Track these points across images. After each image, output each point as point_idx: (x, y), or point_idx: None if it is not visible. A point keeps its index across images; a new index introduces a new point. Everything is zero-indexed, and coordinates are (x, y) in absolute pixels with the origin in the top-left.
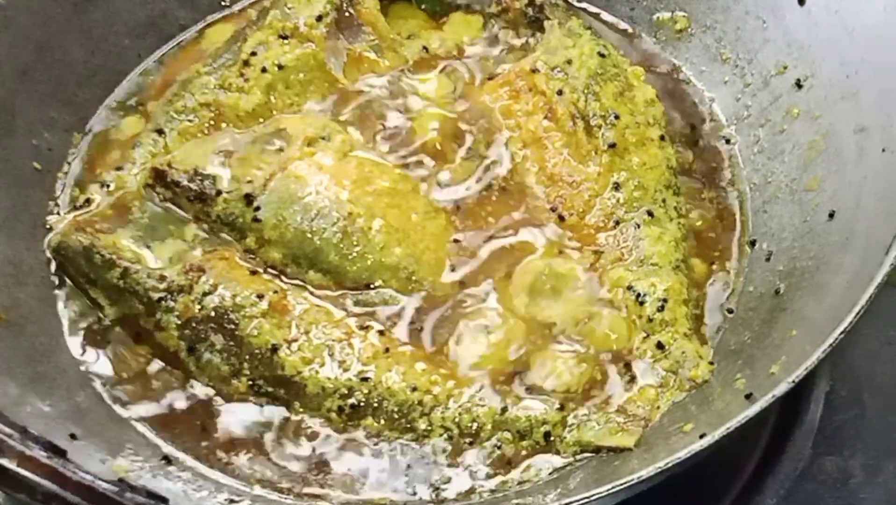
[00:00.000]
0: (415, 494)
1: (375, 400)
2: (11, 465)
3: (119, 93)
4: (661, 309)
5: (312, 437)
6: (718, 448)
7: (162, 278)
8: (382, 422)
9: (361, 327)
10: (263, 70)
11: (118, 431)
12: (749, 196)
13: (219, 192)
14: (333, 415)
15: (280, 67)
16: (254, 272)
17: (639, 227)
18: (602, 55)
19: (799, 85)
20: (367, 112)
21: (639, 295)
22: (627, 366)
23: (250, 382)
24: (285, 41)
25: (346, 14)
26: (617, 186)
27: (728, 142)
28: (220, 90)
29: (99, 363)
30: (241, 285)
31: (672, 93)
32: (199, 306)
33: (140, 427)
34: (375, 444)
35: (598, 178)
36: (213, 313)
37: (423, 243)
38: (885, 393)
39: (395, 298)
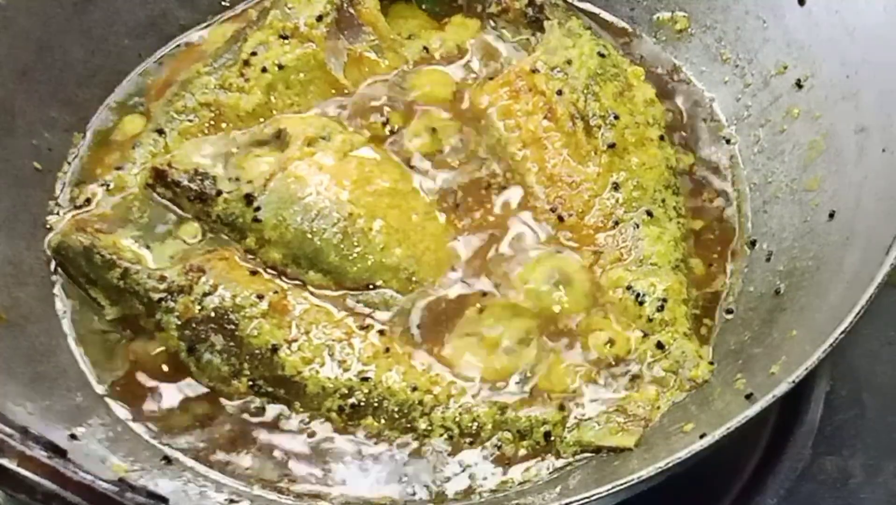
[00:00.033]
0: (415, 493)
1: (376, 400)
2: (12, 465)
3: (119, 93)
4: (660, 309)
5: (312, 436)
6: (718, 448)
7: (162, 279)
8: (383, 422)
9: (362, 327)
10: (264, 70)
11: (118, 431)
12: (749, 196)
13: (219, 192)
14: (334, 415)
15: (280, 67)
16: (254, 272)
17: (638, 227)
18: (602, 55)
19: (799, 85)
20: (368, 112)
21: (638, 295)
22: (627, 366)
23: (250, 383)
24: (286, 41)
25: (347, 14)
26: (616, 186)
27: (728, 142)
28: (221, 90)
29: (99, 363)
30: (241, 286)
31: (672, 93)
32: (199, 307)
33: (140, 427)
34: (376, 443)
35: (598, 179)
36: (213, 314)
37: (424, 244)
38: (885, 393)
39: (396, 298)
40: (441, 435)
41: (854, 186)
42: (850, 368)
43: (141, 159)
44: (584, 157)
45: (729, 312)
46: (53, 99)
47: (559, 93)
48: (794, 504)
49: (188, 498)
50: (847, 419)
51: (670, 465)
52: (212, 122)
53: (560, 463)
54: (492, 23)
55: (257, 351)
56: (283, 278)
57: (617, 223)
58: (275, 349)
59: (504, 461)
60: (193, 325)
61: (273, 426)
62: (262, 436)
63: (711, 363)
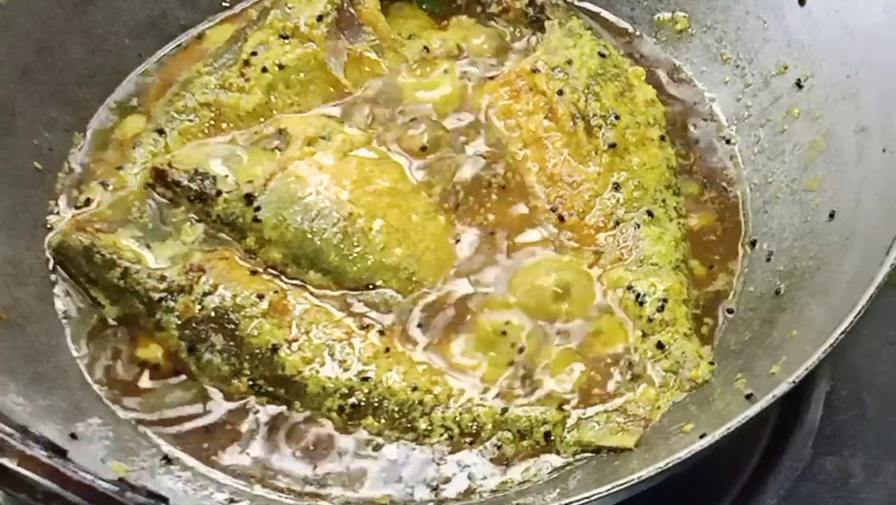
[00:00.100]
0: (414, 493)
1: (376, 400)
2: (12, 464)
3: (119, 93)
4: (661, 309)
5: (312, 436)
6: (718, 448)
7: (162, 278)
8: (383, 421)
9: (362, 327)
10: (264, 70)
11: (118, 430)
12: (749, 196)
13: (219, 192)
14: (334, 414)
15: (281, 67)
16: (254, 272)
17: (639, 227)
18: (602, 55)
19: (799, 85)
20: (368, 112)
21: (639, 295)
22: (628, 365)
23: (251, 382)
24: (286, 41)
25: (347, 14)
26: (617, 186)
27: (728, 142)
28: (221, 90)
29: (99, 363)
30: (241, 285)
31: (672, 93)
32: (199, 306)
33: (140, 427)
34: (376, 443)
35: (598, 179)
36: (213, 313)
37: (424, 243)
38: (886, 393)
39: (396, 298)
40: (441, 435)
41: (854, 186)
42: (850, 368)
43: (141, 159)
44: (585, 157)
45: (729, 312)
46: (53, 99)
47: (560, 93)
48: (794, 504)
49: (188, 498)
50: (847, 419)
51: (670, 465)
52: (212, 122)
53: (560, 463)
54: (492, 23)
55: (257, 351)
56: (284, 278)
57: (617, 223)
58: (275, 349)
59: (504, 461)
60: (194, 324)
61: (273, 426)
62: (263, 436)
63: (712, 363)
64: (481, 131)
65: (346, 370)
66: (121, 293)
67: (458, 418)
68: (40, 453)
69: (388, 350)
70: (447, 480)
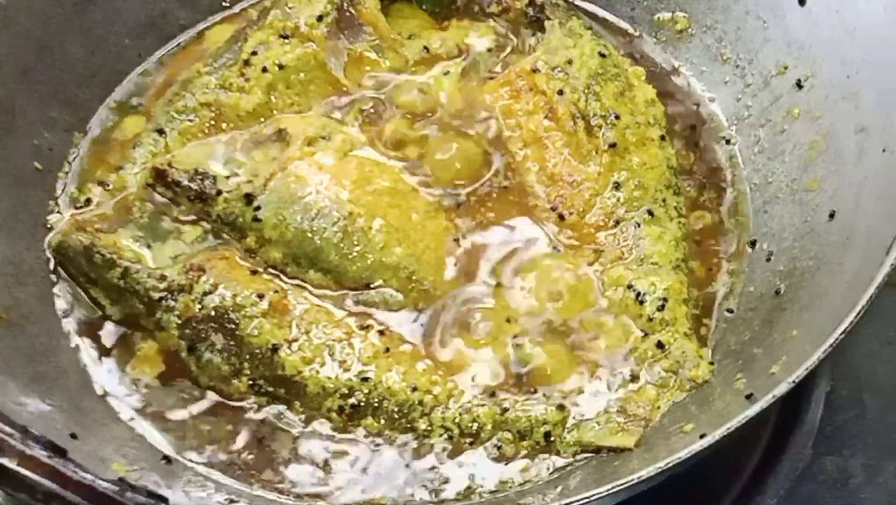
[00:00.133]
0: (414, 493)
1: (376, 400)
2: (12, 464)
3: (119, 93)
4: (661, 308)
5: (313, 436)
6: (718, 448)
7: (162, 278)
8: (383, 422)
9: (362, 327)
10: (264, 70)
11: (118, 430)
12: (749, 196)
13: (219, 192)
14: (334, 415)
15: (281, 67)
16: (254, 272)
17: (639, 226)
18: (603, 55)
19: (799, 85)
20: (368, 112)
21: (639, 294)
22: (628, 365)
23: (251, 382)
24: (286, 41)
25: (347, 14)
26: (617, 186)
27: (728, 142)
28: (221, 90)
29: (99, 363)
30: (241, 285)
31: (672, 93)
32: (199, 306)
33: (140, 427)
34: (376, 443)
35: (599, 178)
36: (213, 313)
37: (424, 243)
38: (886, 393)
39: (396, 297)
40: (441, 435)
41: (854, 186)
42: (850, 368)
43: (141, 159)
44: (585, 156)
45: (729, 311)
46: (53, 99)
47: (560, 92)
48: (794, 504)
49: (188, 498)
50: (847, 419)
51: (670, 465)
52: (212, 122)
53: (560, 463)
54: (492, 22)
55: (257, 350)
56: (284, 278)
57: (618, 222)
58: (275, 349)
59: (504, 461)
60: (194, 324)
61: (273, 426)
62: (263, 436)
63: (711, 363)
64: (481, 131)
65: (346, 370)
66: (121, 293)
67: (457, 419)
68: (40, 453)
69: (387, 350)
70: (447, 481)
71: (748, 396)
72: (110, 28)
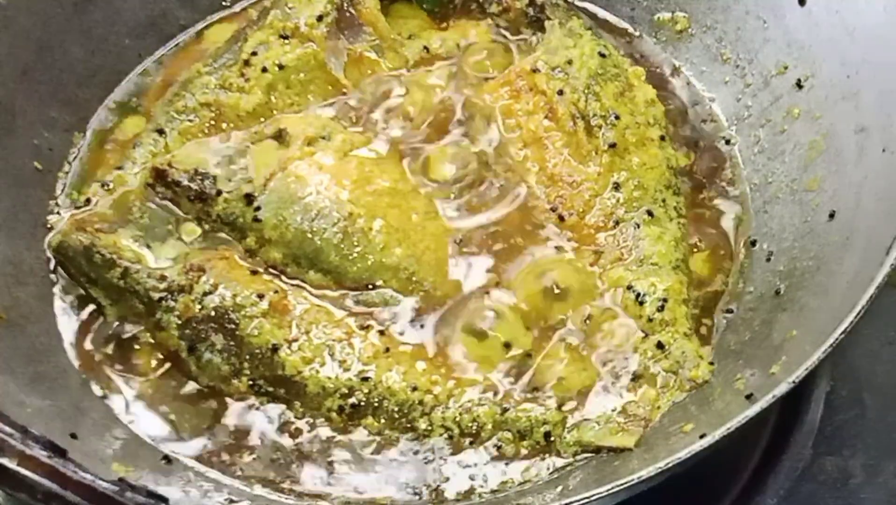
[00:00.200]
0: (415, 493)
1: (376, 400)
2: (12, 464)
3: (119, 93)
4: (660, 309)
5: (313, 436)
6: (718, 448)
7: (162, 278)
8: (383, 421)
9: (362, 327)
10: (264, 70)
11: (118, 430)
12: (749, 196)
13: (219, 192)
14: (334, 414)
15: (281, 67)
16: (254, 272)
17: (639, 226)
18: (603, 55)
19: (799, 85)
20: (368, 111)
21: (639, 295)
22: (628, 365)
23: (251, 382)
24: (286, 41)
25: (347, 14)
26: (617, 186)
27: (728, 142)
28: (221, 90)
29: (99, 363)
30: (241, 285)
31: (672, 93)
32: (199, 306)
33: (140, 427)
34: (376, 443)
35: (599, 178)
36: (213, 313)
37: (424, 243)
38: (886, 393)
39: (396, 298)
40: (441, 435)
41: (854, 186)
42: (850, 369)
43: (141, 159)
44: (585, 156)
45: (729, 312)
46: (53, 99)
47: (560, 93)
48: (794, 504)
49: (188, 498)
50: (847, 419)
51: (670, 465)
52: (212, 122)
53: (560, 463)
54: (492, 22)
55: (257, 351)
56: (284, 278)
57: (617, 223)
58: (275, 349)
59: (504, 461)
60: (194, 324)
61: (273, 426)
62: (262, 436)
63: (711, 363)
64: (482, 130)
65: (346, 370)
66: (121, 293)
67: (458, 418)
68: (40, 453)
69: (388, 350)
70: (447, 480)
71: (748, 396)
72: (110, 28)
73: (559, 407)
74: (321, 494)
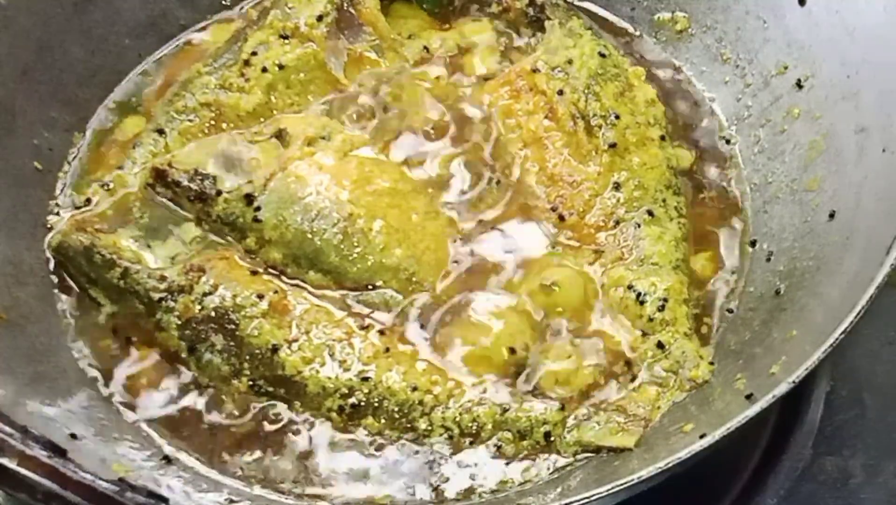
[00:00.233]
0: (415, 493)
1: (376, 400)
2: (12, 464)
3: (119, 93)
4: (661, 309)
5: (313, 436)
6: (718, 448)
7: (162, 278)
8: (383, 421)
9: (362, 327)
10: (264, 70)
11: (118, 430)
12: (749, 196)
13: (219, 192)
14: (334, 414)
15: (281, 67)
16: (254, 272)
17: (639, 226)
18: (603, 55)
19: (799, 85)
20: (368, 111)
21: (639, 294)
22: (628, 365)
23: (251, 382)
24: (286, 41)
25: (347, 14)
26: (617, 186)
27: (728, 142)
28: (221, 90)
29: (99, 363)
30: (241, 285)
31: (672, 93)
32: (199, 306)
33: (140, 427)
34: (376, 443)
35: (599, 178)
36: (213, 313)
37: (424, 244)
38: (886, 393)
39: (396, 298)
40: (441, 435)
41: (854, 186)
42: (850, 368)
43: (141, 159)
44: (585, 156)
45: (729, 311)
46: (53, 99)
47: (560, 92)
48: (794, 504)
49: (188, 498)
50: (847, 419)
51: (670, 465)
52: (212, 122)
53: (560, 463)
54: (492, 22)
55: (257, 351)
56: (284, 278)
57: (618, 223)
58: (275, 349)
59: (504, 461)
60: (194, 324)
61: (273, 426)
62: (263, 436)
63: (712, 363)
64: (482, 131)
65: (346, 370)
66: (121, 293)
67: (458, 418)
68: (40, 453)
69: (388, 350)
70: (447, 480)
71: (748, 396)
72: (110, 28)
73: (559, 407)
74: (321, 495)
